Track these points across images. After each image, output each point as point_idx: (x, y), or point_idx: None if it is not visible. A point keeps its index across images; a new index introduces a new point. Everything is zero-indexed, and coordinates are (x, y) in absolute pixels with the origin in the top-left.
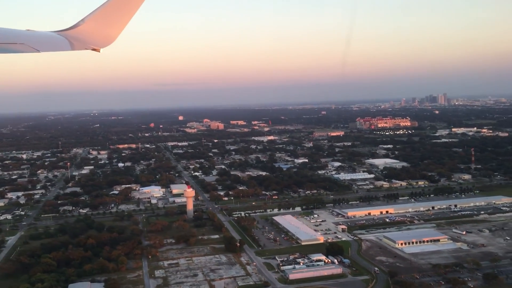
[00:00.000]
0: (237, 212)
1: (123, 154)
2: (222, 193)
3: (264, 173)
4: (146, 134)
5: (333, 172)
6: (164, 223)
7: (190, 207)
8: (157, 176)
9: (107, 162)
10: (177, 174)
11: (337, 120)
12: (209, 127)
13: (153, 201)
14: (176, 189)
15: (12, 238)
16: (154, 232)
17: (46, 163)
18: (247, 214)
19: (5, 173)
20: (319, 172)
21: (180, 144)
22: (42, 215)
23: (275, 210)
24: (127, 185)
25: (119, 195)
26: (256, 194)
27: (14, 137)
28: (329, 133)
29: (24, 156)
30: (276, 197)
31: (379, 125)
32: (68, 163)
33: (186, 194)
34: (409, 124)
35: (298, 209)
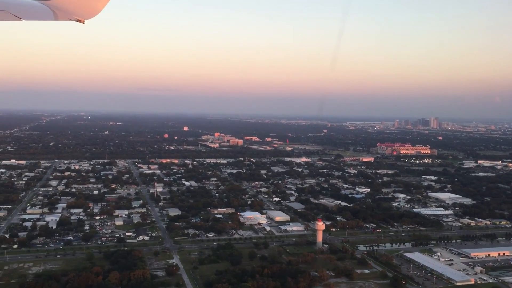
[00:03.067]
0: (359, 246)
1: (174, 170)
2: (327, 223)
3: (339, 202)
4: (171, 147)
5: (407, 205)
6: (311, 255)
7: (320, 239)
8: (226, 199)
9: (171, 179)
10: (252, 198)
11: (350, 140)
12: (228, 142)
13: (267, 228)
14: (278, 216)
15: (174, 262)
16: (304, 263)
17: (110, 177)
18: (371, 248)
19: (80, 186)
20: (392, 204)
21: (219, 161)
22: (175, 237)
23: (388, 245)
24: (223, 209)
25: (234, 221)
26: (359, 226)
27: (32, 141)
28: (360, 158)
29: (77, 167)
30: (379, 230)
31: (401, 152)
32: (156, 182)
33: (317, 227)
34: (429, 152)
35: (407, 244)
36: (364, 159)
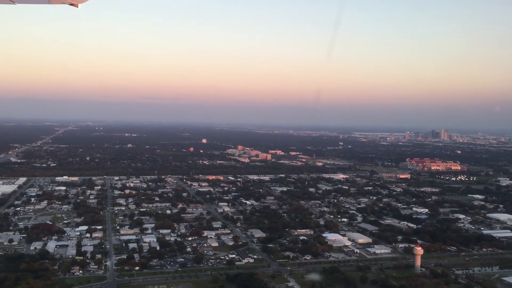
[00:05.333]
0: (453, 269)
1: (225, 188)
2: (408, 245)
3: (405, 223)
4: (205, 162)
5: (472, 227)
6: (419, 279)
7: (418, 263)
8: (298, 219)
9: (230, 198)
10: (320, 219)
11: (374, 155)
12: (257, 157)
13: (356, 250)
14: (360, 238)
15: (291, 285)
16: None
17: (170, 195)
18: (467, 272)
19: (150, 205)
20: (457, 225)
21: (262, 178)
22: (277, 260)
23: (476, 269)
24: (302, 230)
25: (323, 243)
26: (442, 249)
27: (67, 155)
28: (397, 175)
29: (131, 184)
30: (463, 253)
31: (432, 168)
32: (218, 201)
33: (416, 252)
34: (459, 168)
35: (495, 268)
36: (401, 176)
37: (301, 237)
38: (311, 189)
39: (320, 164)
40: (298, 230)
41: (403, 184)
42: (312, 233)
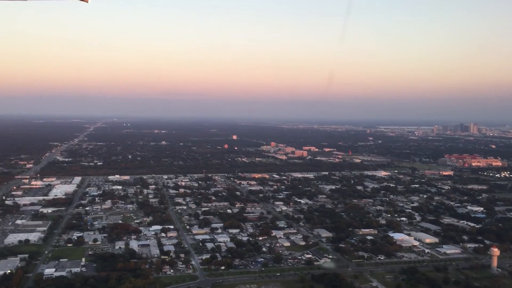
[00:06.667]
0: None
1: (275, 187)
2: (475, 245)
3: (465, 222)
4: (244, 159)
5: None
6: (500, 280)
7: (495, 264)
8: (358, 218)
9: (283, 197)
10: (379, 218)
11: (408, 150)
12: (293, 154)
13: (426, 250)
14: (427, 238)
15: (375, 285)
16: None
17: (224, 194)
18: None
19: (209, 204)
20: None
21: (306, 175)
22: (353, 260)
23: None
24: (366, 230)
25: (392, 243)
26: (511, 249)
27: (110, 154)
28: (440, 172)
29: (183, 183)
30: None
31: (473, 164)
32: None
33: (493, 253)
34: (500, 164)
35: None
36: (444, 173)
37: (368, 237)
38: (359, 187)
39: (358, 160)
40: (362, 230)
41: (449, 181)
42: (376, 232)
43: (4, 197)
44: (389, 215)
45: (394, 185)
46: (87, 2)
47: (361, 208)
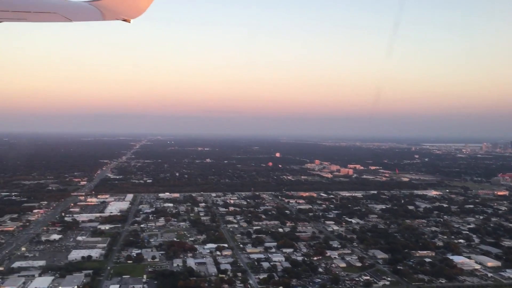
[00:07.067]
0: None
1: (323, 206)
2: None
3: None
4: (290, 177)
5: None
6: None
7: None
8: (414, 239)
9: (333, 216)
10: (435, 239)
11: (458, 169)
12: (339, 172)
13: (490, 274)
14: (489, 262)
15: None
16: None
17: (274, 213)
18: None
19: (260, 223)
20: None
21: (354, 194)
22: (413, 283)
23: None
24: (424, 252)
25: (452, 267)
26: None
27: (158, 171)
28: (495, 192)
29: (231, 201)
30: None
31: None
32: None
33: None
34: None
35: None
36: (499, 193)
37: (426, 259)
38: (410, 207)
39: (405, 179)
40: (419, 252)
41: (504, 202)
42: (434, 254)
43: (63, 214)
44: (445, 237)
45: (447, 205)
46: (129, 22)
47: (415, 228)
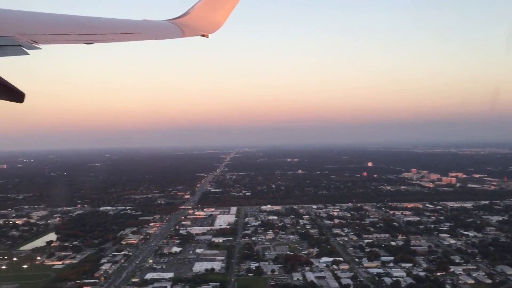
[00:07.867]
0: None
1: (432, 217)
2: None
3: None
4: (388, 188)
5: None
6: None
7: None
8: None
9: (447, 228)
10: None
11: None
12: (440, 181)
13: None
14: None
15: None
16: None
17: (382, 225)
18: None
19: (369, 236)
20: None
21: (463, 205)
22: None
23: None
24: None
25: None
26: None
27: (253, 184)
28: None
29: (335, 213)
30: None
31: None
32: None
33: None
34: None
35: None
36: None
37: None
38: None
39: None
40: None
41: None
42: None
43: (177, 227)
44: None
45: None
46: (207, 37)
47: None
